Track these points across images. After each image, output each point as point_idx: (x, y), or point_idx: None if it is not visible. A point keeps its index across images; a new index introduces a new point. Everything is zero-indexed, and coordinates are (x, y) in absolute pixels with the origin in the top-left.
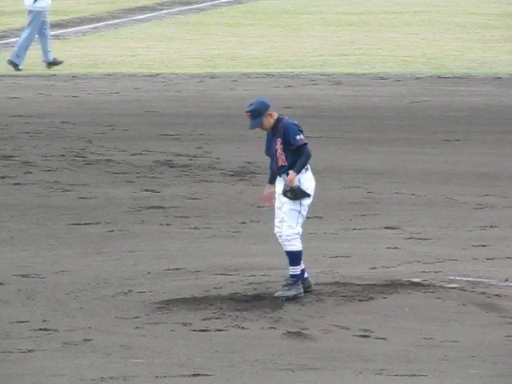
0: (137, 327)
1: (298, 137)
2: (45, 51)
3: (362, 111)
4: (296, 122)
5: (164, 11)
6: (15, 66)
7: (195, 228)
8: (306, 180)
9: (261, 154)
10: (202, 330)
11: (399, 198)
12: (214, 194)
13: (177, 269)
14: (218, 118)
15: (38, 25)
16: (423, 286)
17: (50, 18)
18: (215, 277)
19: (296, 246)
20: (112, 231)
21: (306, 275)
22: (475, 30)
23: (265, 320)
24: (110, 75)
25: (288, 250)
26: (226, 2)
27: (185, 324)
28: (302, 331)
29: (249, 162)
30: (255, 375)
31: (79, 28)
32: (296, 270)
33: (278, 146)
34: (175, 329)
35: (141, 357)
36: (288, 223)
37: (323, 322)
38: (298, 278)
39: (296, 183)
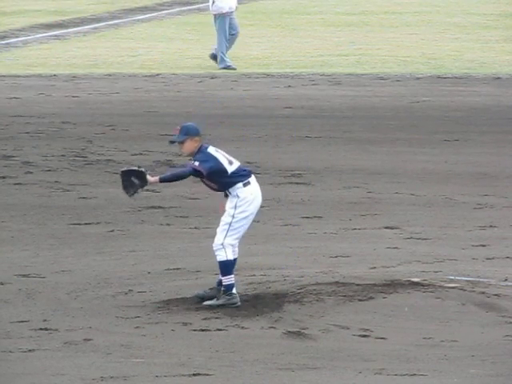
0: (137, 327)
1: (197, 163)
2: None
3: (362, 111)
4: (209, 152)
5: (164, 11)
6: (228, 68)
7: (195, 228)
8: (243, 192)
9: (261, 153)
10: (202, 330)
11: (399, 197)
12: (214, 193)
13: (177, 269)
14: (218, 118)
15: (223, 27)
16: (423, 285)
17: (50, 18)
18: (215, 277)
19: (221, 256)
20: (112, 231)
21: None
22: (475, 30)
23: (265, 320)
24: (110, 75)
25: (217, 259)
26: None
27: (185, 324)
28: (302, 331)
29: (249, 162)
30: (255, 375)
31: (79, 28)
32: (225, 281)
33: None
34: (175, 328)
35: (141, 356)
36: (217, 234)
37: (323, 322)
38: (228, 288)
39: (147, 183)
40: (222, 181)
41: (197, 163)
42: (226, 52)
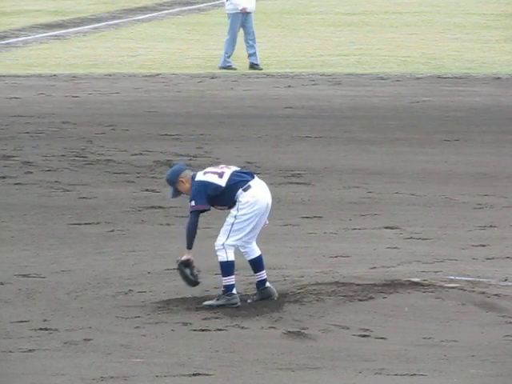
0: (137, 327)
1: (192, 202)
2: (247, 52)
3: (362, 111)
4: (198, 181)
5: (164, 11)
6: (228, 68)
7: None
8: (244, 197)
9: (261, 154)
10: (202, 330)
11: (399, 197)
12: None
13: (177, 269)
14: (217, 118)
15: (234, 27)
16: (423, 285)
17: (50, 18)
18: (215, 277)
19: (222, 256)
20: (112, 231)
21: (267, 284)
22: (475, 30)
23: (265, 320)
24: (110, 75)
25: (218, 260)
26: None
27: (185, 324)
28: (302, 331)
29: (249, 162)
30: (255, 375)
31: (79, 28)
32: (226, 281)
33: None
34: (175, 328)
35: (141, 356)
36: (220, 234)
37: (323, 322)
38: (228, 289)
39: (184, 259)
40: (222, 197)
41: (193, 203)
42: (256, 56)
